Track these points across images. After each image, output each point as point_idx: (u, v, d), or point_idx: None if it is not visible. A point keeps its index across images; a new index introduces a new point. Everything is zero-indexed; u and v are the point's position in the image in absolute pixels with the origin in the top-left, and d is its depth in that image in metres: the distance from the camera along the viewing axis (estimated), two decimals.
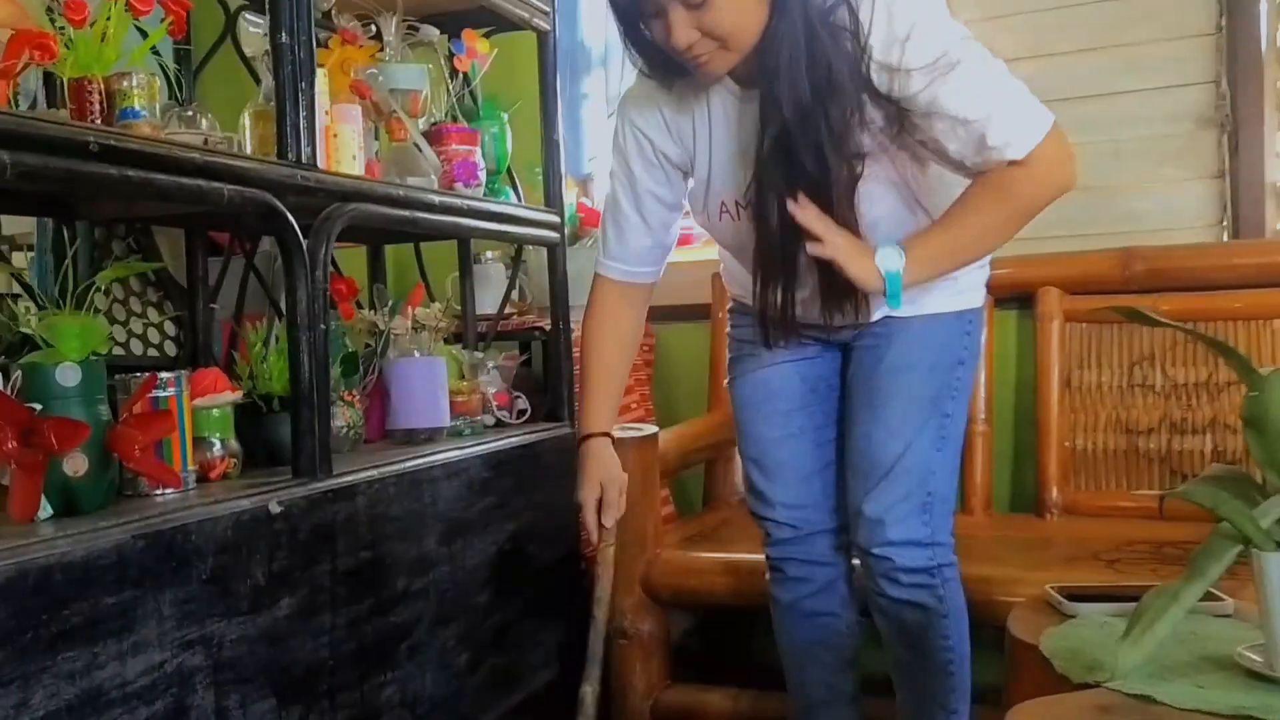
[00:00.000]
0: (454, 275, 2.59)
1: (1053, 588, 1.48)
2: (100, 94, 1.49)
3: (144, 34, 1.69)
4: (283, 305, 2.12)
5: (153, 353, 2.03)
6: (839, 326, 1.76)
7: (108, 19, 1.49)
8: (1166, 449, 2.52)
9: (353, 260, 2.58)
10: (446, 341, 2.31)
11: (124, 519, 1.38)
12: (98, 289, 1.62)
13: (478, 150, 2.21)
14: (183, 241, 2.05)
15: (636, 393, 2.83)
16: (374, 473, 1.80)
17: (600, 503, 1.81)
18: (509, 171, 2.46)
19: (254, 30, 2.18)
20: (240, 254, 2.17)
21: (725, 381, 1.96)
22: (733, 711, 2.33)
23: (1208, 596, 1.36)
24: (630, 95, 1.78)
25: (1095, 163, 2.66)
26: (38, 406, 1.39)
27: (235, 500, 1.53)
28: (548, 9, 2.43)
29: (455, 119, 2.28)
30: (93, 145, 1.32)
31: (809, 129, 1.55)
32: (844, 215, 1.60)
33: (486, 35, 2.41)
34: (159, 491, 1.54)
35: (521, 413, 2.41)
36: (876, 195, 1.63)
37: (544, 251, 2.50)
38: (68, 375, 1.40)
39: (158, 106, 1.56)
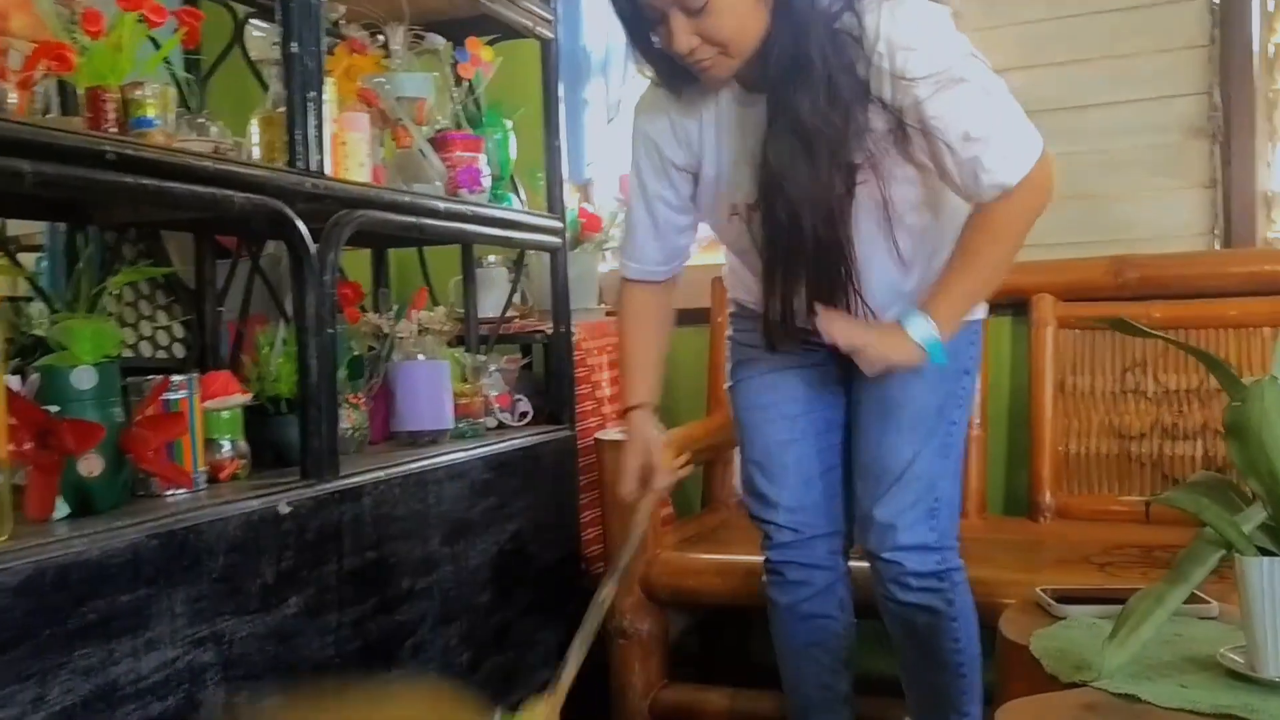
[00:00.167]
0: (457, 279, 2.62)
1: (1043, 590, 1.52)
2: (115, 103, 1.52)
3: (156, 44, 1.73)
4: (288, 307, 2.16)
5: (161, 355, 2.06)
6: None
7: (123, 29, 1.53)
8: (1158, 454, 2.55)
9: (356, 263, 2.62)
10: (449, 344, 2.34)
11: (138, 519, 1.41)
12: (109, 293, 1.66)
13: (482, 157, 2.24)
14: (191, 245, 2.09)
15: None
16: (380, 474, 1.83)
17: (644, 469, 1.80)
18: (512, 177, 2.49)
19: (258, 35, 2.21)
20: (246, 257, 2.20)
21: (725, 385, 1.99)
22: (730, 710, 2.37)
23: (1193, 599, 1.40)
24: (640, 103, 1.82)
25: (1089, 172, 2.71)
26: (54, 408, 1.42)
27: (245, 501, 1.57)
28: (551, 17, 2.47)
29: (460, 125, 2.31)
30: (109, 154, 1.36)
31: (809, 133, 1.57)
32: (841, 222, 1.63)
33: (490, 43, 2.45)
34: (170, 491, 1.58)
35: (523, 415, 2.44)
36: (856, 216, 1.65)
37: (546, 255, 2.54)
38: (83, 378, 1.44)
39: (171, 115, 1.59)
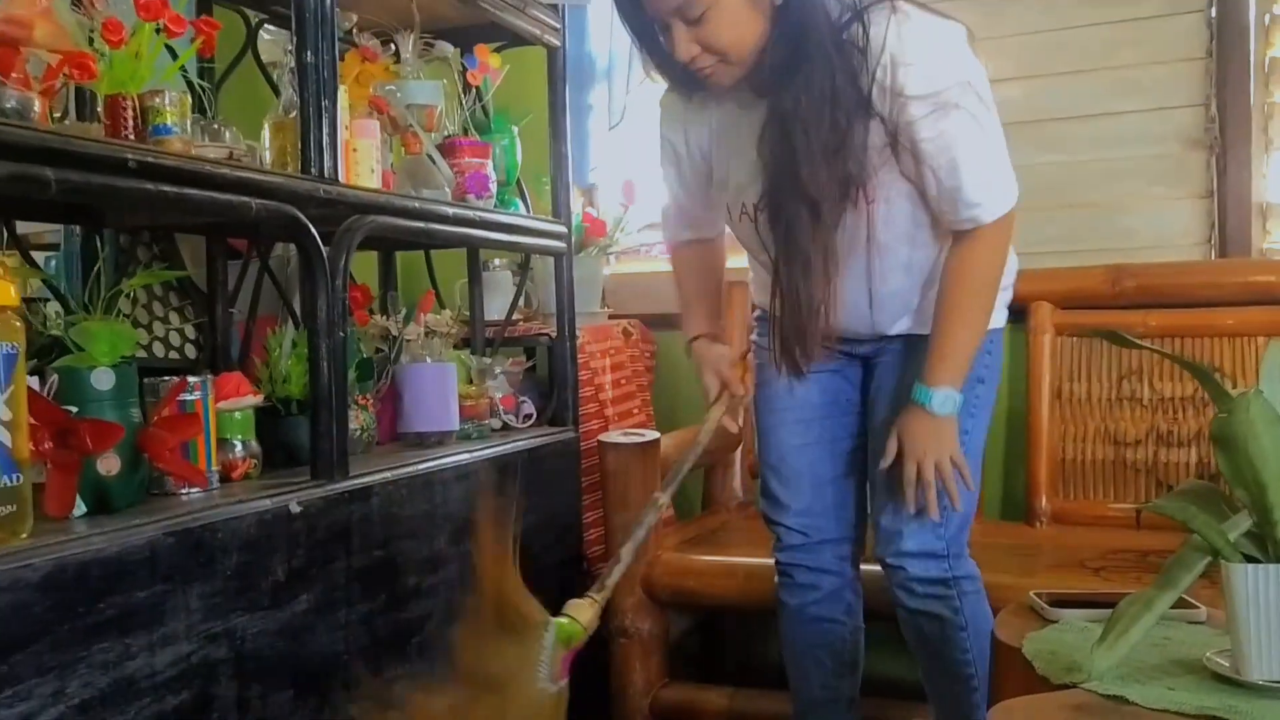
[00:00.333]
0: (462, 282, 2.66)
1: (1036, 594, 1.56)
2: (134, 110, 1.56)
3: (172, 52, 1.76)
4: (296, 308, 2.19)
5: (173, 355, 2.09)
6: (861, 340, 1.83)
7: (143, 39, 1.56)
8: (1153, 460, 2.59)
9: (364, 265, 2.65)
10: (455, 347, 2.38)
11: (155, 517, 1.45)
12: (125, 295, 1.69)
13: (489, 163, 2.28)
14: (202, 246, 2.12)
15: (638, 398, 2.90)
16: (388, 474, 1.87)
17: (720, 385, 1.89)
18: (518, 182, 2.53)
19: (267, 38, 2.25)
20: (256, 259, 2.24)
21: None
22: (729, 709, 2.40)
23: (1182, 604, 1.43)
24: (661, 104, 1.87)
25: (1088, 181, 2.75)
26: (73, 409, 1.45)
27: (258, 500, 1.60)
28: (558, 25, 2.50)
29: (467, 132, 2.35)
30: (131, 163, 1.39)
31: (805, 134, 1.60)
32: (829, 231, 1.66)
33: (498, 50, 2.48)
34: (184, 490, 1.61)
35: (527, 417, 2.47)
36: (891, 219, 1.69)
37: (550, 259, 2.58)
38: (102, 379, 1.47)
39: (188, 122, 1.63)
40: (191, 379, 1.62)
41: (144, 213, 1.74)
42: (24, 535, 1.30)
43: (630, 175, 3.06)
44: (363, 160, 1.91)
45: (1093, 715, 1.13)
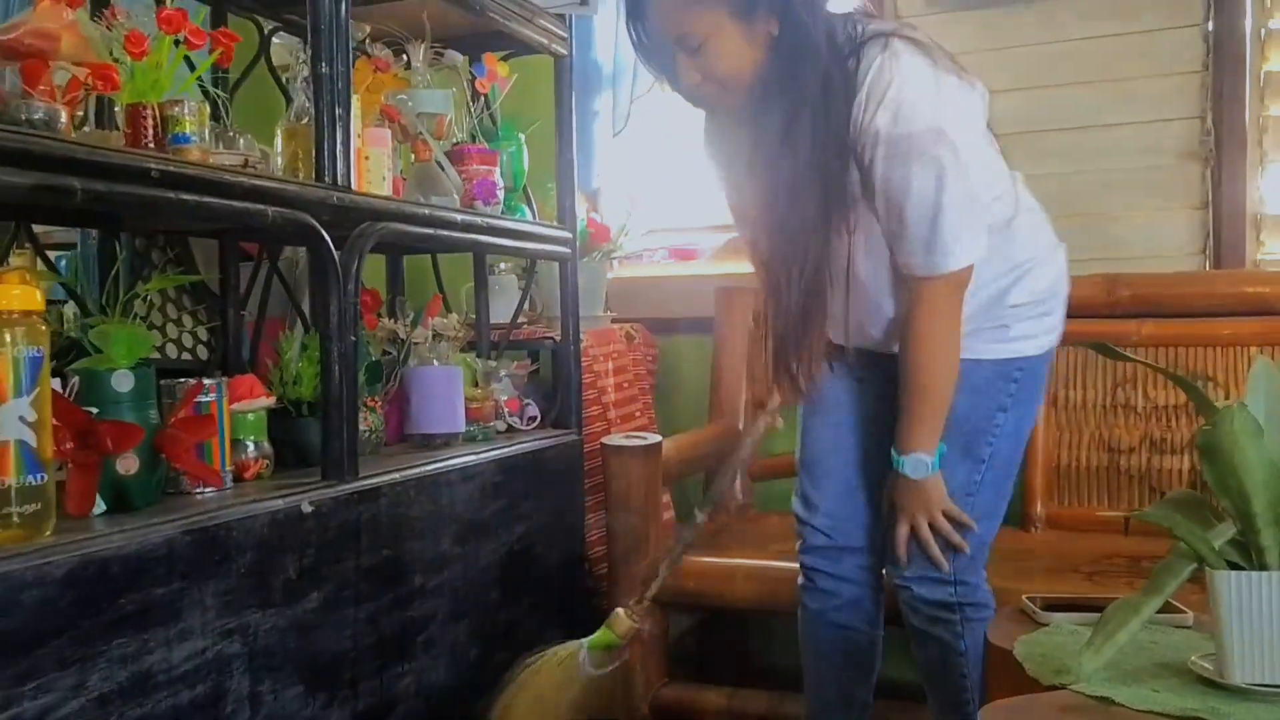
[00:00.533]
0: (468, 285, 2.69)
1: (1028, 598, 1.60)
2: (155, 119, 1.60)
3: (189, 61, 1.81)
4: (305, 309, 2.23)
5: (186, 356, 2.13)
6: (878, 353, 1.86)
7: (163, 50, 1.61)
8: (1146, 467, 2.63)
9: (372, 268, 2.68)
10: (461, 350, 2.42)
11: (172, 515, 1.49)
12: (140, 297, 1.74)
13: (496, 170, 2.32)
14: (213, 248, 2.16)
15: (640, 401, 2.94)
16: (396, 475, 1.91)
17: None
18: (525, 188, 2.57)
19: (277, 42, 2.29)
20: (266, 260, 2.28)
21: None
22: (727, 708, 2.44)
23: (1170, 609, 1.48)
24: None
25: (1085, 191, 2.79)
26: (94, 410, 1.50)
27: (271, 500, 1.64)
28: (565, 35, 2.55)
29: (475, 139, 2.39)
30: (154, 172, 1.44)
31: (791, 166, 1.64)
32: (814, 256, 1.68)
33: (505, 58, 2.53)
34: (199, 490, 1.65)
35: (531, 419, 2.51)
36: (871, 250, 1.72)
37: (555, 264, 2.62)
38: (122, 381, 1.52)
39: (206, 131, 1.67)
40: (207, 381, 1.66)
41: (164, 220, 1.78)
42: (48, 533, 1.34)
43: (634, 181, 3.10)
44: (374, 168, 1.95)
45: (1079, 715, 1.17)
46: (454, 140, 2.33)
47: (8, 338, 1.29)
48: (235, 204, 1.59)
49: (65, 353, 1.73)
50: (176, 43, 1.63)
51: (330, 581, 1.73)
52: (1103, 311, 2.66)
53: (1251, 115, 2.66)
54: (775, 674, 2.65)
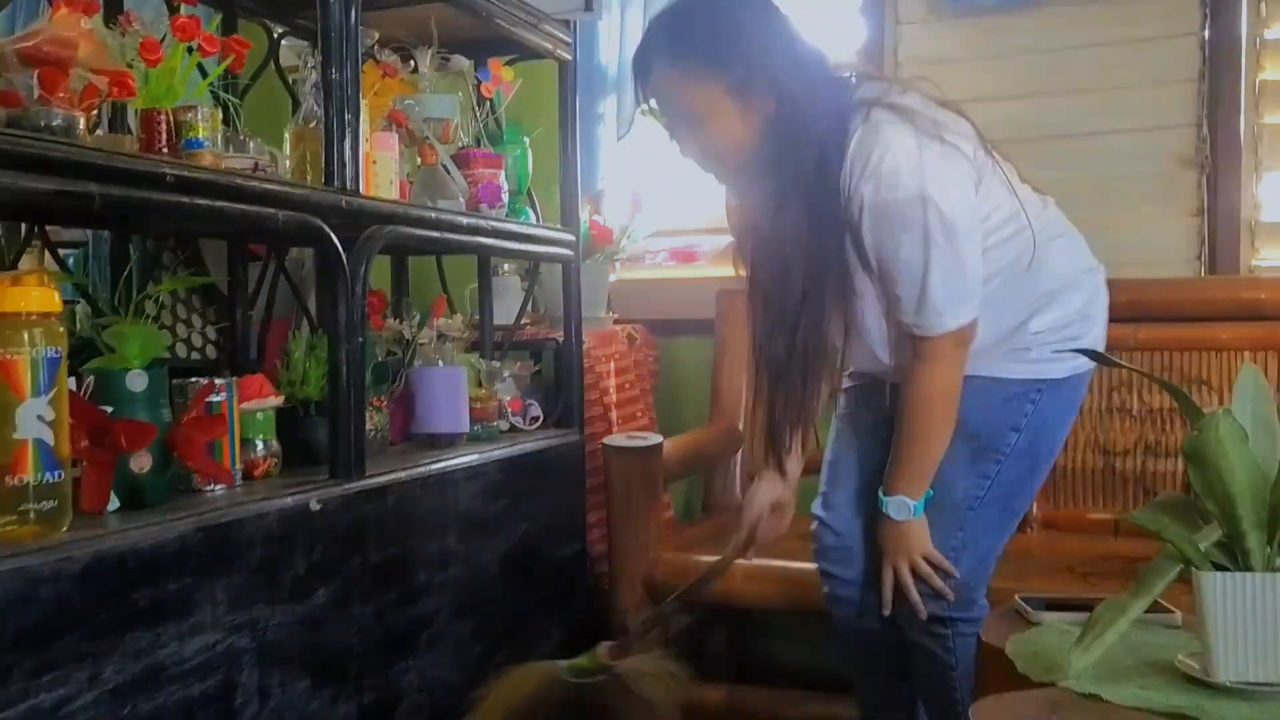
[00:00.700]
0: (472, 286, 2.73)
1: (1021, 597, 1.63)
2: (169, 125, 1.63)
3: (202, 68, 1.84)
4: (311, 308, 2.26)
5: (195, 356, 2.17)
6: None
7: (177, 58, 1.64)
8: (1141, 469, 2.66)
9: (377, 269, 2.71)
10: (465, 350, 2.45)
11: (184, 513, 1.52)
12: (152, 298, 1.77)
13: (501, 173, 2.35)
14: (224, 250, 2.19)
15: (641, 402, 2.97)
16: (402, 474, 1.94)
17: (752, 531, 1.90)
18: (529, 191, 2.60)
19: (285, 44, 2.32)
20: (274, 260, 2.31)
21: None
22: (726, 705, 2.48)
23: (1159, 609, 1.51)
24: None
25: (1082, 198, 2.78)
26: (109, 409, 1.53)
27: (280, 498, 1.68)
28: (569, 40, 2.58)
29: (480, 143, 2.42)
30: (169, 178, 1.47)
31: (779, 246, 1.68)
32: (805, 328, 1.71)
33: (510, 63, 2.56)
34: (210, 487, 1.69)
35: (534, 419, 2.54)
36: (867, 293, 1.74)
37: (559, 265, 2.65)
38: (136, 381, 1.55)
39: (219, 136, 1.70)
40: (218, 381, 1.70)
41: (178, 223, 1.82)
42: (64, 529, 1.37)
43: (638, 184, 3.13)
44: (382, 172, 1.99)
45: (1067, 712, 1.21)
46: (460, 144, 2.37)
47: (27, 339, 1.33)
48: (247, 208, 1.62)
49: (78, 352, 1.76)
50: (190, 50, 1.66)
51: (337, 578, 1.77)
52: None
53: (1247, 123, 2.69)
54: (774, 671, 2.69)
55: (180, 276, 1.99)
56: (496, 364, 2.51)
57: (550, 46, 2.53)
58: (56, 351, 1.36)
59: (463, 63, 2.43)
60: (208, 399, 1.67)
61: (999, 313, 1.76)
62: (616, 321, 3.03)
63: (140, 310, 1.71)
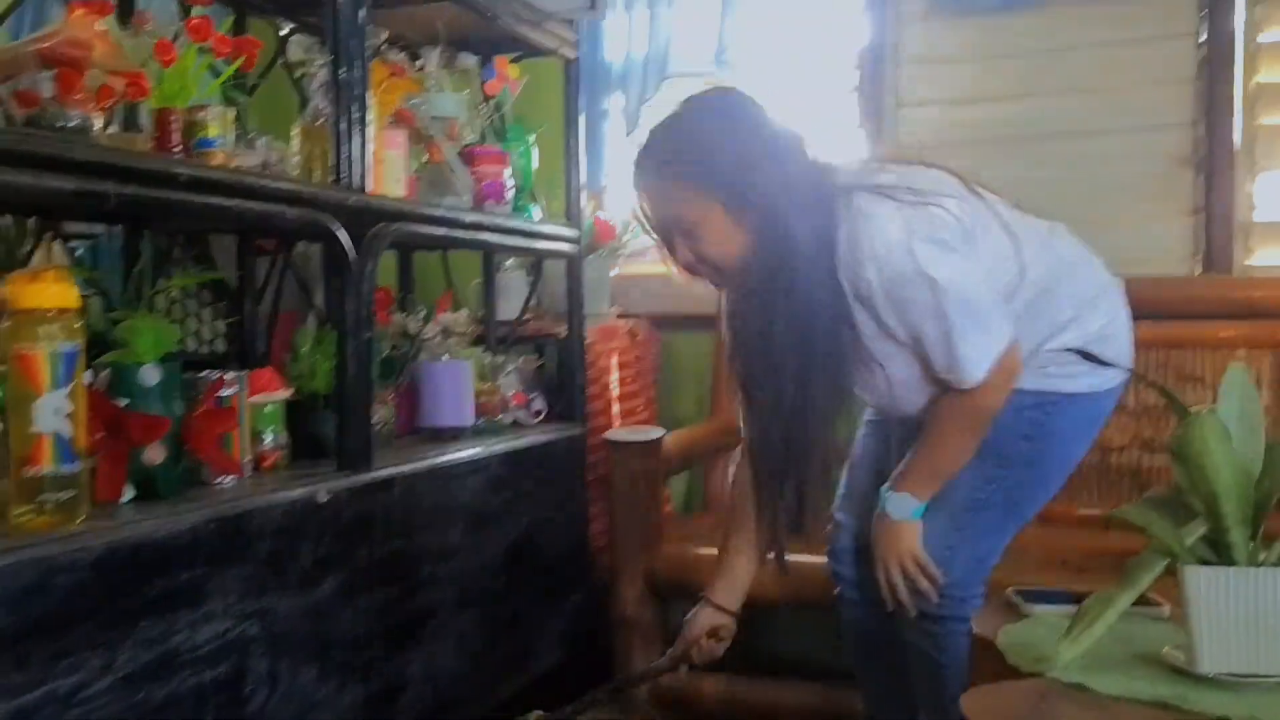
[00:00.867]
0: (477, 281, 2.76)
1: (1013, 590, 1.67)
2: (181, 124, 1.66)
3: (213, 68, 1.87)
4: (318, 302, 2.30)
5: (205, 349, 2.21)
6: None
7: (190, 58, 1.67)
8: (1136, 465, 2.69)
9: (383, 264, 2.75)
10: (469, 345, 2.48)
11: (197, 503, 1.56)
12: (162, 293, 1.80)
13: (506, 171, 2.39)
14: (233, 245, 2.22)
15: (643, 396, 3.00)
16: (408, 467, 1.98)
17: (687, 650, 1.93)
18: (532, 189, 2.63)
19: (292, 39, 2.35)
20: (282, 255, 2.34)
21: None
22: (726, 696, 2.51)
23: (1148, 602, 1.55)
24: None
25: (1080, 197, 2.84)
26: (123, 402, 1.57)
27: (288, 490, 1.72)
28: (573, 38, 2.61)
29: (486, 140, 2.46)
30: (182, 177, 1.51)
31: (793, 346, 1.69)
32: (810, 423, 1.73)
33: (515, 60, 2.59)
34: (220, 479, 1.72)
35: (537, 413, 2.58)
36: (899, 357, 1.75)
37: (562, 261, 2.68)
38: (149, 375, 1.58)
39: (230, 135, 1.74)
40: (229, 375, 1.73)
41: (190, 221, 1.85)
42: (80, 519, 1.40)
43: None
44: (389, 170, 2.02)
45: (1054, 701, 1.25)
46: (465, 141, 2.40)
47: (45, 334, 1.36)
48: (257, 206, 1.66)
49: (91, 345, 1.79)
50: (202, 50, 1.69)
51: (344, 568, 1.80)
52: None
53: (1243, 124, 2.72)
54: (773, 663, 2.72)
55: (191, 272, 2.03)
56: (500, 358, 2.55)
57: (554, 45, 2.56)
58: (74, 346, 1.39)
59: (469, 61, 2.46)
60: (219, 393, 1.71)
61: (1021, 338, 1.77)
62: (619, 316, 3.06)
63: (152, 305, 1.75)
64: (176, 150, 1.64)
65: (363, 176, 1.89)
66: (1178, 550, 1.27)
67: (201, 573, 1.53)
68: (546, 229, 2.56)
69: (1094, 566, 2.35)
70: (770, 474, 1.80)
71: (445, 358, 2.31)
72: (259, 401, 1.84)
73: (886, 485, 1.82)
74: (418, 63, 2.31)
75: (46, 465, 1.36)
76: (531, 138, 2.61)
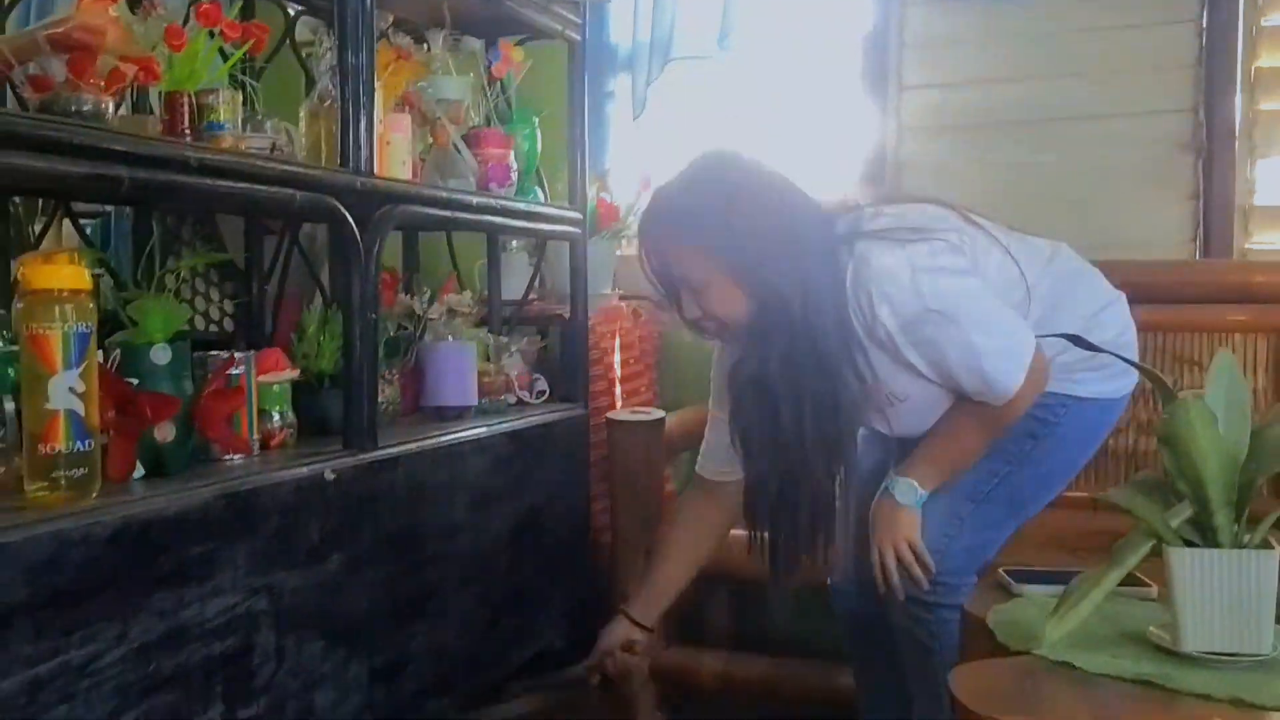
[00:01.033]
0: (481, 262, 2.78)
1: (1005, 570, 1.70)
2: (191, 108, 1.69)
3: (222, 52, 1.90)
4: (324, 282, 2.33)
5: (213, 329, 2.24)
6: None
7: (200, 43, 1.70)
8: (1133, 448, 2.71)
9: (387, 244, 2.77)
10: (473, 325, 2.51)
11: (206, 481, 1.59)
12: (172, 273, 1.83)
13: (511, 153, 2.41)
14: (240, 225, 2.25)
15: (645, 377, 3.03)
16: (413, 446, 2.01)
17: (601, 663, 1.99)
18: (537, 170, 2.66)
19: (301, 20, 2.38)
20: (289, 235, 2.37)
21: None
22: (724, 672, 2.55)
23: (1137, 583, 1.58)
24: None
25: (1079, 180, 2.87)
26: (134, 381, 1.60)
27: (296, 467, 1.75)
28: (579, 20, 2.63)
29: (490, 123, 2.48)
30: (193, 161, 1.53)
31: (790, 404, 1.73)
32: (805, 482, 1.77)
33: (520, 43, 2.61)
34: (228, 457, 1.76)
35: (540, 393, 2.61)
36: (916, 387, 1.79)
37: (566, 243, 2.71)
38: (160, 355, 1.62)
39: (239, 119, 1.76)
40: (238, 355, 1.77)
41: (200, 204, 1.88)
42: (93, 496, 1.44)
43: (647, 163, 3.17)
44: (395, 153, 2.05)
45: (1039, 678, 1.28)
46: (471, 124, 2.42)
47: (59, 314, 1.39)
48: (265, 189, 1.69)
49: (102, 324, 1.82)
50: (211, 34, 1.72)
51: (350, 545, 1.84)
52: None
53: (1243, 108, 2.74)
54: (772, 640, 2.76)
55: (200, 253, 2.06)
56: (504, 339, 2.57)
57: (559, 27, 2.58)
58: (87, 327, 1.42)
59: (474, 44, 2.48)
60: (228, 372, 1.74)
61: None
62: (622, 298, 3.08)
63: (161, 285, 1.78)
64: (186, 134, 1.67)
65: (369, 160, 1.92)
66: (1163, 532, 1.30)
67: (211, 548, 1.56)
68: (550, 211, 2.58)
69: (1088, 547, 2.37)
70: (758, 520, 1.85)
71: (450, 338, 2.34)
72: (267, 381, 1.87)
73: (894, 469, 1.85)
74: (423, 46, 2.33)
75: (60, 443, 1.39)
76: (536, 121, 2.63)
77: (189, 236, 2.16)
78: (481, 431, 2.24)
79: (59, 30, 1.49)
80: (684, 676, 2.59)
